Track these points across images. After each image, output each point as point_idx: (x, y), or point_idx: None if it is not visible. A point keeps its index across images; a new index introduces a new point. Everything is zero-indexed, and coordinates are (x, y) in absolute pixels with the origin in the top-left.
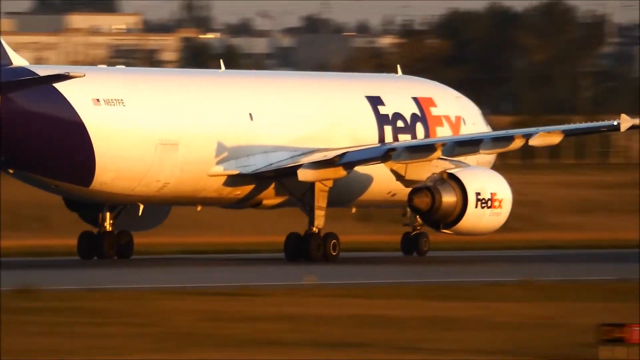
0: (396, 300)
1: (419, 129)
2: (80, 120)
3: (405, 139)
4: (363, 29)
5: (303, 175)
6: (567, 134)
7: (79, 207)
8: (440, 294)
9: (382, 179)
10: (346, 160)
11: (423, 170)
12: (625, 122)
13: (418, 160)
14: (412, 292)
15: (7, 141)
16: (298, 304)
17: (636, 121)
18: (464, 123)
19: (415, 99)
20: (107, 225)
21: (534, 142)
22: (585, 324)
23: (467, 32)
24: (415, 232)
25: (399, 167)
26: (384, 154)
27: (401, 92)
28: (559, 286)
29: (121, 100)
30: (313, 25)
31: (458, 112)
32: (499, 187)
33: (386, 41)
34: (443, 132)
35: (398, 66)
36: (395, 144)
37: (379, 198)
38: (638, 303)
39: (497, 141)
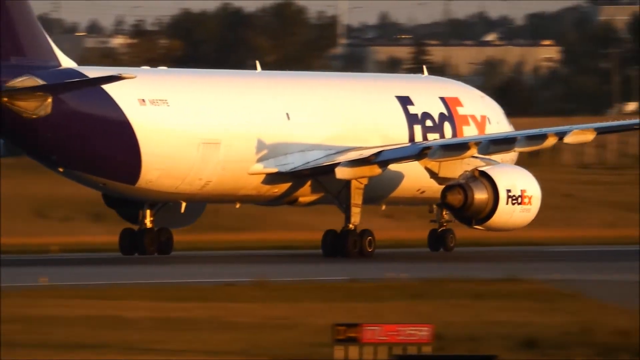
0: (129, 302)
1: (447, 128)
2: (127, 120)
3: (433, 137)
4: (94, 29)
5: (341, 173)
6: (600, 131)
7: (117, 204)
8: (173, 294)
9: (411, 177)
10: (382, 159)
11: (456, 168)
12: None
13: (452, 158)
14: (145, 293)
15: (57, 141)
16: (31, 305)
17: None
18: (489, 122)
19: (442, 99)
20: (148, 222)
21: (568, 139)
22: (319, 324)
23: (199, 33)
24: (442, 229)
25: (433, 165)
26: (419, 152)
27: (429, 92)
28: (292, 286)
29: (165, 100)
30: (44, 25)
31: (483, 111)
32: (529, 184)
33: (118, 41)
34: (469, 131)
35: (424, 67)
36: (430, 142)
37: (409, 195)
38: (370, 302)
39: (531, 139)
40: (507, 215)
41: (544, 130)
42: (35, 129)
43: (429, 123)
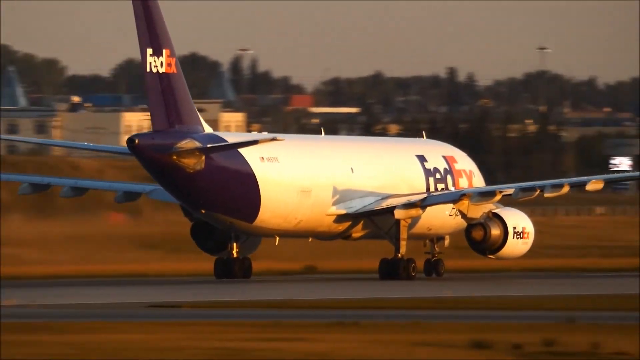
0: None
1: (449, 179)
2: (253, 173)
3: (441, 187)
4: None
5: (398, 214)
6: (607, 180)
7: (203, 237)
8: None
9: (425, 218)
10: (427, 203)
11: (477, 210)
12: None
13: (485, 202)
14: None
15: (206, 189)
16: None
17: None
18: (474, 175)
19: (444, 157)
20: (234, 252)
21: (589, 187)
22: None
23: None
24: (435, 258)
25: (464, 207)
26: (458, 198)
27: (435, 152)
28: None
29: (276, 158)
30: None
31: (469, 167)
32: (527, 223)
33: None
34: (463, 182)
35: (424, 132)
36: (467, 190)
37: (420, 232)
38: None
39: (555, 187)
40: (513, 247)
41: (563, 180)
42: (192, 180)
43: (438, 176)
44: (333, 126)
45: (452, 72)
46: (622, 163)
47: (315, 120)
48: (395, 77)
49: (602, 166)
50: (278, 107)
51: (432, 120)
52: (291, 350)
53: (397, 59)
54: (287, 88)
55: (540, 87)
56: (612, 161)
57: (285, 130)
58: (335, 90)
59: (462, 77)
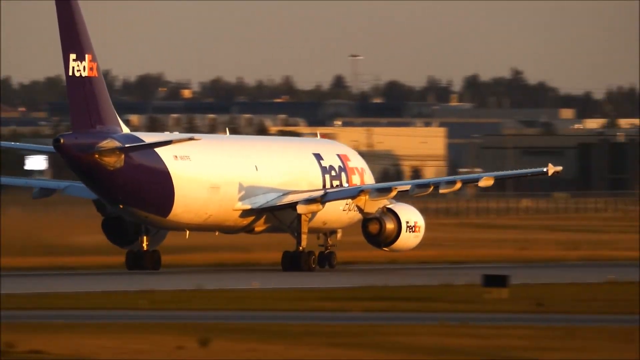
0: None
1: (343, 177)
2: (168, 170)
3: (336, 184)
4: None
5: (301, 209)
6: (498, 177)
7: (114, 231)
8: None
9: (320, 212)
10: (327, 199)
11: (373, 205)
12: (551, 169)
13: (381, 198)
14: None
15: (125, 186)
16: None
17: (559, 168)
18: (365, 172)
19: (338, 155)
20: (145, 245)
21: (481, 183)
22: None
23: None
24: (328, 251)
25: (362, 202)
26: (356, 194)
27: (330, 150)
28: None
29: (188, 156)
30: None
31: (361, 165)
32: (418, 217)
33: None
34: (356, 179)
35: (318, 132)
36: (365, 186)
37: (316, 226)
38: None
39: (448, 184)
40: (405, 240)
41: (456, 177)
42: (112, 177)
43: (333, 173)
44: None
45: None
46: (38, 162)
47: None
48: None
49: (18, 167)
50: None
51: None
52: None
53: None
54: None
55: None
56: (27, 160)
57: None
58: None
59: None
